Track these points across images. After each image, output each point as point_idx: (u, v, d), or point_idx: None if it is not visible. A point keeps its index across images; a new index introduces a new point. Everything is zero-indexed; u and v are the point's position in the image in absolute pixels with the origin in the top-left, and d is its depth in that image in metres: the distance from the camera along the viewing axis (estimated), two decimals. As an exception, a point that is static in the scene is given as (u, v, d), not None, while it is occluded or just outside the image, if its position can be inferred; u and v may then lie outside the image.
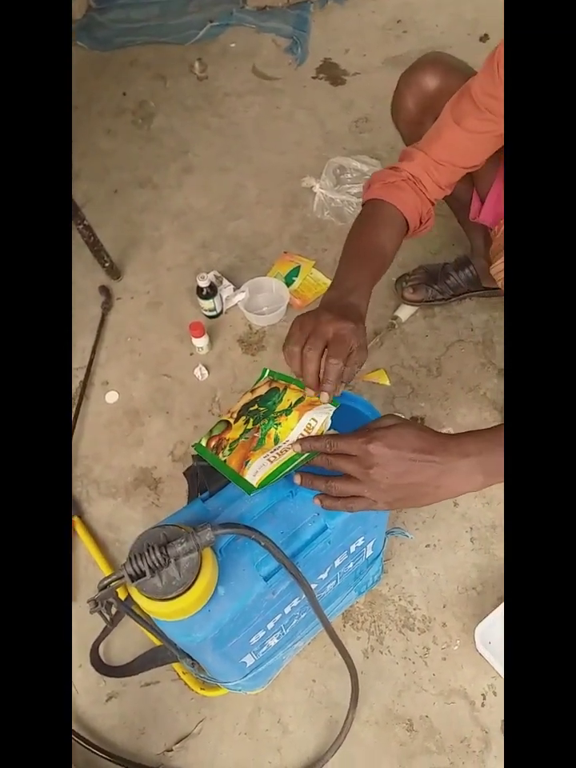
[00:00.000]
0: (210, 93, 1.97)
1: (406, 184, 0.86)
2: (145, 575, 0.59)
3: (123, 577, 0.60)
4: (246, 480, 0.68)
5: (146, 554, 0.59)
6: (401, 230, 0.86)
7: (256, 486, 0.66)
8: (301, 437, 0.68)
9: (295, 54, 2.00)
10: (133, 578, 0.59)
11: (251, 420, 0.73)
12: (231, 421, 0.76)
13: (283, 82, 1.96)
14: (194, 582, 0.61)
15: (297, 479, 0.68)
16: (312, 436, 0.67)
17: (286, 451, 0.67)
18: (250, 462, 0.68)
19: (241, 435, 0.72)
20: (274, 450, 0.68)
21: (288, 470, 0.67)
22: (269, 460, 0.67)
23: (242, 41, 2.09)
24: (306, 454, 0.67)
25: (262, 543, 0.64)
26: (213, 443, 0.75)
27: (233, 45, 2.08)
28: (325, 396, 0.69)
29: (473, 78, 0.85)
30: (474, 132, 0.85)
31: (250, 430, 0.72)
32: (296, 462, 0.67)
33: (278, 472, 0.66)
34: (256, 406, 0.75)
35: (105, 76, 2.02)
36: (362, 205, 0.89)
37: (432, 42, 1.95)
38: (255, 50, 2.06)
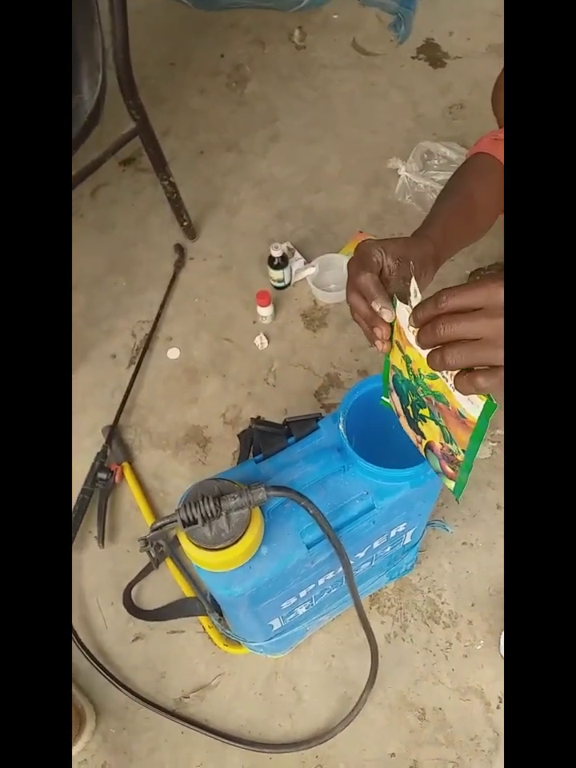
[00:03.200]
0: (306, 63, 1.94)
1: None
2: (196, 523, 0.62)
3: (176, 521, 0.62)
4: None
5: (201, 502, 0.62)
6: (500, 185, 0.75)
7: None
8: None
9: (398, 32, 1.95)
10: (185, 524, 0.62)
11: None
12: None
13: (382, 59, 1.92)
14: (241, 537, 0.63)
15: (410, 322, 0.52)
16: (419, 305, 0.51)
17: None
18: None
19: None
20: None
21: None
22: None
23: (346, 13, 2.05)
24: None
25: (311, 511, 0.65)
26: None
27: (336, 16, 2.05)
28: (378, 308, 0.56)
29: None
30: None
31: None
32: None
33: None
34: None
35: (205, 36, 2.02)
36: (467, 158, 0.80)
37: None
38: (357, 23, 2.02)
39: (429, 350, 0.51)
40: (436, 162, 1.61)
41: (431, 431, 0.65)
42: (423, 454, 0.70)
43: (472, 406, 0.52)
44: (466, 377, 0.48)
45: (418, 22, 1.99)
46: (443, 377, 0.54)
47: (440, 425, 0.62)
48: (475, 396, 0.50)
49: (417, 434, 0.69)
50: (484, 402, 0.50)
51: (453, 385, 0.52)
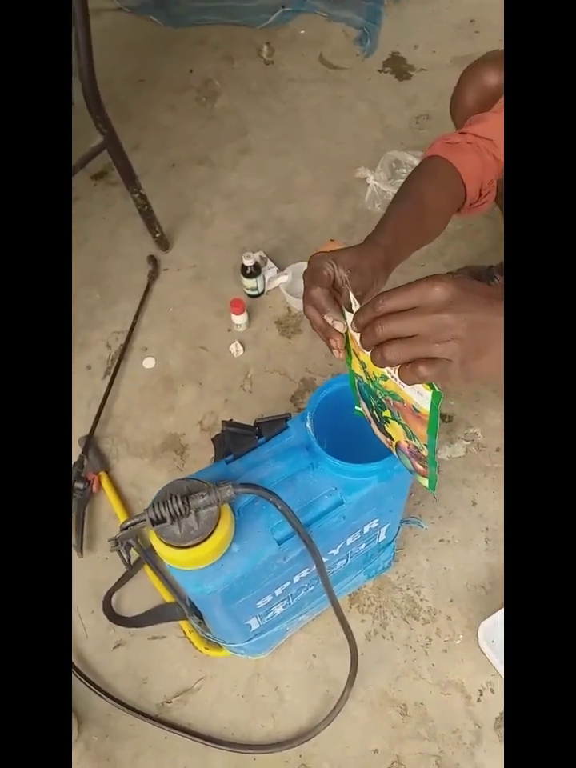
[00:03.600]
0: (274, 77, 1.99)
1: (471, 147, 0.78)
2: (165, 521, 0.63)
3: (145, 520, 0.63)
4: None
5: (169, 501, 0.63)
6: (457, 193, 0.77)
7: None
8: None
9: (364, 46, 2.01)
10: (153, 523, 0.63)
11: None
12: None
13: (349, 73, 1.97)
14: (210, 534, 0.65)
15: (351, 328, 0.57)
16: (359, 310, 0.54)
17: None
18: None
19: None
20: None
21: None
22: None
23: (312, 28, 2.10)
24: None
25: (279, 507, 0.67)
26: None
27: (302, 32, 2.10)
28: (330, 320, 0.59)
29: None
30: None
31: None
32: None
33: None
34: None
35: (173, 53, 2.06)
36: (421, 161, 0.82)
37: (502, 44, 1.92)
38: (324, 38, 2.07)
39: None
40: (404, 170, 1.65)
41: (396, 431, 0.67)
42: (396, 455, 0.71)
43: (422, 398, 0.55)
44: (409, 367, 0.51)
45: (383, 36, 2.05)
46: (391, 375, 0.56)
47: (401, 423, 0.64)
48: (422, 387, 0.53)
49: (386, 436, 0.70)
50: (431, 393, 0.52)
51: (398, 379, 0.54)
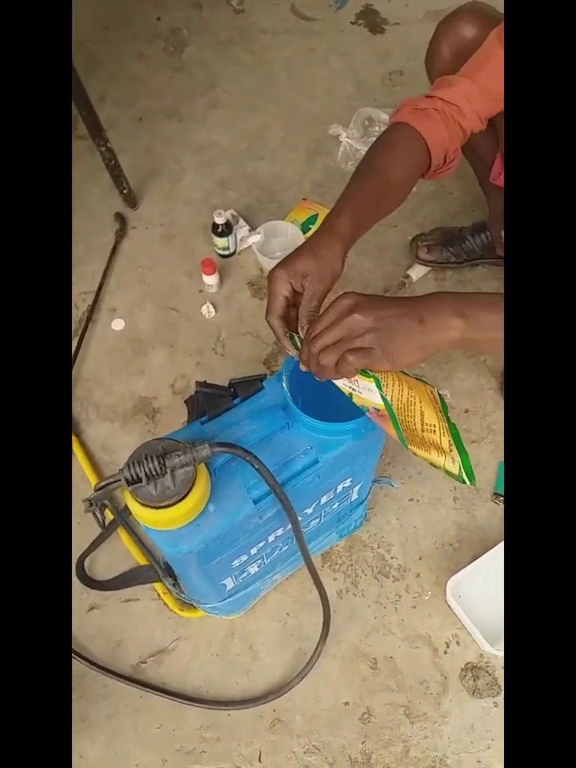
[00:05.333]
0: (245, 27, 1.91)
1: (437, 114, 0.80)
2: (141, 481, 0.62)
3: (120, 480, 0.62)
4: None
5: (144, 461, 0.62)
6: (418, 160, 0.79)
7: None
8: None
9: (337, -3, 1.94)
10: (129, 483, 0.62)
11: None
12: None
13: (321, 24, 1.91)
14: (186, 494, 0.64)
15: (301, 368, 0.67)
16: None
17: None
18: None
19: None
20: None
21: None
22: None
23: (284, -24, 2.02)
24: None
25: (255, 466, 0.66)
26: None
27: (274, -21, 2.02)
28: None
29: None
30: None
31: None
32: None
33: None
34: None
35: (140, -1, 1.97)
36: (387, 128, 0.82)
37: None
38: (296, -13, 1.99)
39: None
40: (377, 128, 1.62)
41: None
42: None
43: (371, 393, 0.63)
44: (340, 362, 0.61)
45: (356, -14, 1.98)
46: (349, 387, 0.65)
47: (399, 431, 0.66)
48: (364, 382, 0.63)
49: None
50: (372, 382, 0.62)
51: (349, 387, 0.65)
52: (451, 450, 0.69)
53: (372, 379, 0.62)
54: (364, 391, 0.65)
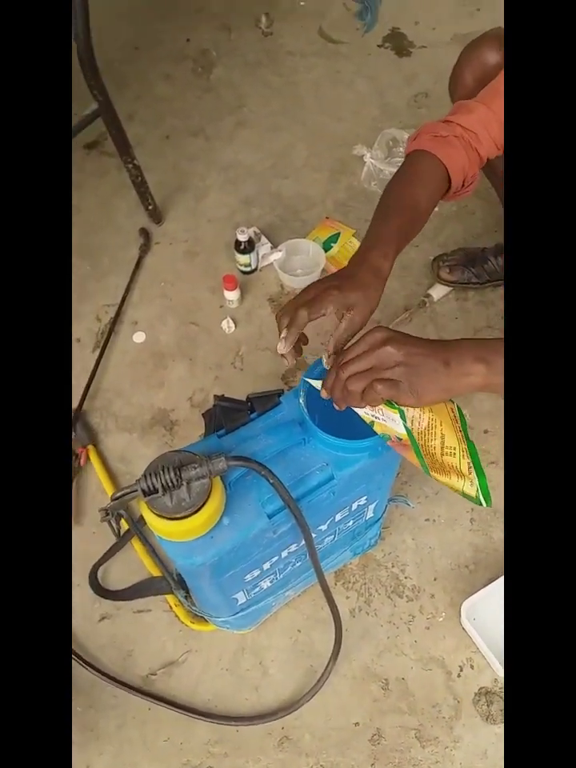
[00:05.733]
0: (273, 49, 1.95)
1: (457, 141, 0.81)
2: (157, 492, 0.62)
3: (137, 491, 0.63)
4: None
5: (161, 473, 0.63)
6: (441, 188, 0.81)
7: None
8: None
9: (364, 20, 1.97)
10: (145, 493, 0.63)
11: None
12: None
13: (348, 47, 1.94)
14: (202, 506, 0.65)
15: (323, 394, 0.70)
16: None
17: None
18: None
19: None
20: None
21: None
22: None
23: (313, 0, 2.06)
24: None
25: (270, 480, 0.67)
26: None
27: (302, 3, 2.05)
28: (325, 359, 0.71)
29: None
30: None
31: None
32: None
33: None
34: None
35: (170, 20, 2.01)
36: (406, 156, 0.84)
37: (503, 22, 1.90)
38: (324, 10, 2.03)
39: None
40: (401, 148, 1.63)
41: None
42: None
43: (395, 423, 0.66)
44: (368, 389, 0.63)
45: (384, 10, 2.01)
46: (371, 416, 0.68)
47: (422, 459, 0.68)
48: (389, 413, 0.65)
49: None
50: (397, 413, 0.65)
51: (373, 415, 0.68)
52: (470, 473, 0.69)
53: (397, 411, 0.65)
54: (388, 421, 0.67)
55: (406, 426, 0.65)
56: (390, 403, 0.66)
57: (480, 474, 0.69)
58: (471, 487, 0.68)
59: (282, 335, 0.69)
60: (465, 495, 0.68)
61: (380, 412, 0.67)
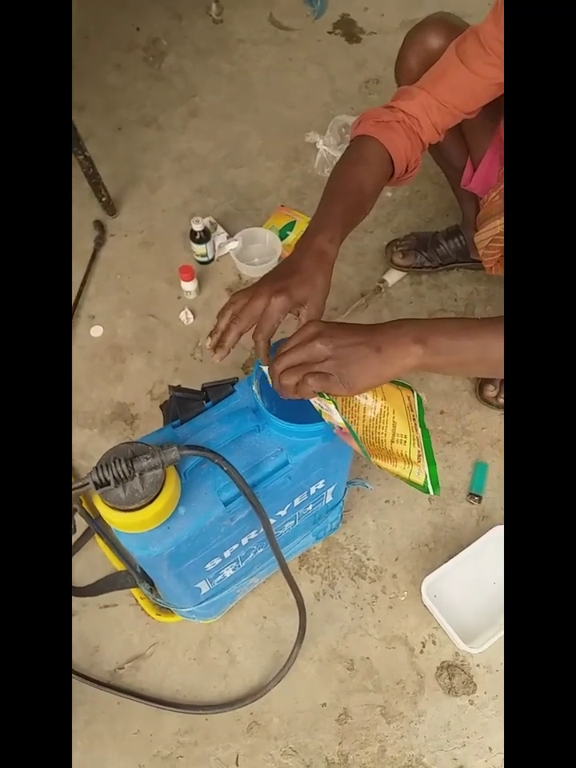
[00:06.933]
0: (223, 37, 1.93)
1: (400, 126, 0.82)
2: (109, 484, 0.62)
3: (89, 484, 0.63)
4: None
5: (112, 465, 0.62)
6: (385, 172, 0.82)
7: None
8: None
9: (314, 6, 1.96)
10: (97, 486, 0.62)
11: None
12: None
13: (299, 34, 1.93)
14: (155, 497, 0.64)
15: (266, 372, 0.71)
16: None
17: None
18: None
19: None
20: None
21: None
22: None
23: (262, -13, 2.05)
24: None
25: (224, 468, 0.67)
26: None
27: (252, -10, 2.04)
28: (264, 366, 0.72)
29: (480, 23, 0.84)
30: (478, 75, 0.84)
31: None
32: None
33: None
34: None
35: (120, 8, 1.97)
36: (350, 141, 0.85)
37: (450, 8, 1.91)
38: (274, -2, 2.02)
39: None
40: (354, 136, 1.64)
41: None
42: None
43: (332, 413, 0.67)
44: (301, 383, 0.65)
45: (333, -3, 2.01)
46: (317, 406, 0.69)
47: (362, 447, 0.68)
48: (325, 403, 0.66)
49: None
50: (331, 404, 0.65)
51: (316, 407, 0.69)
52: (419, 461, 0.70)
53: (331, 401, 0.66)
54: (327, 410, 0.69)
55: (342, 417, 0.67)
56: (323, 395, 0.67)
57: (431, 462, 0.71)
58: (418, 475, 0.70)
59: (215, 342, 0.72)
60: (410, 482, 0.70)
61: (320, 402, 0.69)
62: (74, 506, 0.67)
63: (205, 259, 1.47)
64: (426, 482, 0.70)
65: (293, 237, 1.50)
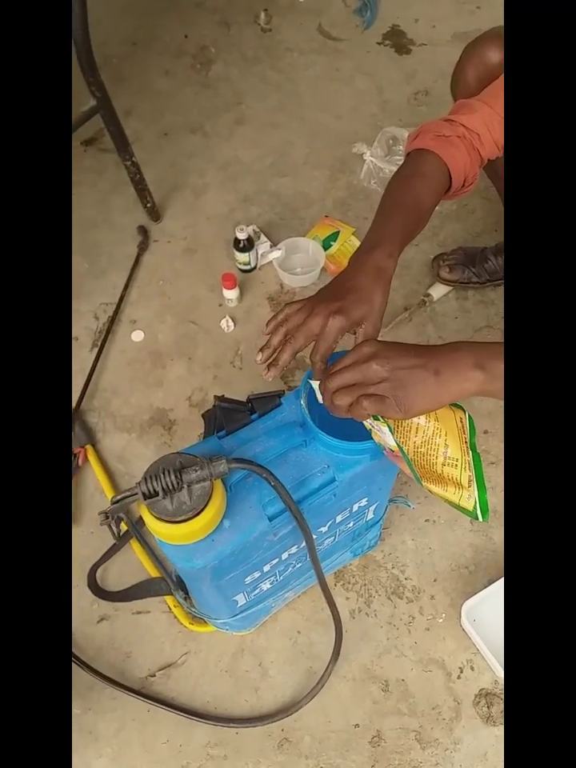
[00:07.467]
0: (271, 46, 1.94)
1: (460, 141, 0.80)
2: (157, 496, 0.62)
3: (137, 494, 0.62)
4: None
5: (161, 476, 0.62)
6: (443, 187, 0.81)
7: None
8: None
9: (363, 17, 1.96)
10: (145, 497, 0.62)
11: None
12: None
13: (347, 45, 1.93)
14: (202, 509, 0.64)
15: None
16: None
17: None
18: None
19: None
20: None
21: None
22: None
23: (311, -3, 2.05)
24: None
25: (272, 483, 0.66)
26: None
27: (301, 0, 2.04)
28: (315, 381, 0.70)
29: None
30: None
31: None
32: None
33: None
34: None
35: (169, 16, 2.00)
36: (406, 154, 0.84)
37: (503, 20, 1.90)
38: (324, 7, 2.01)
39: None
40: (401, 147, 1.62)
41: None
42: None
43: (385, 435, 0.65)
44: (354, 405, 0.63)
45: (383, 7, 2.00)
46: (368, 425, 0.68)
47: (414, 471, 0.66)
48: (380, 425, 0.64)
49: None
50: (386, 427, 0.63)
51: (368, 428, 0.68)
52: (470, 486, 0.68)
53: (385, 424, 0.64)
54: (380, 432, 0.67)
55: (395, 440, 0.65)
56: (377, 417, 0.65)
57: (481, 487, 0.69)
58: (469, 500, 0.68)
59: (267, 359, 0.70)
60: (460, 508, 0.67)
61: (372, 423, 0.67)
62: (119, 514, 0.67)
63: (247, 267, 1.47)
64: (475, 508, 0.68)
65: (336, 247, 1.49)
